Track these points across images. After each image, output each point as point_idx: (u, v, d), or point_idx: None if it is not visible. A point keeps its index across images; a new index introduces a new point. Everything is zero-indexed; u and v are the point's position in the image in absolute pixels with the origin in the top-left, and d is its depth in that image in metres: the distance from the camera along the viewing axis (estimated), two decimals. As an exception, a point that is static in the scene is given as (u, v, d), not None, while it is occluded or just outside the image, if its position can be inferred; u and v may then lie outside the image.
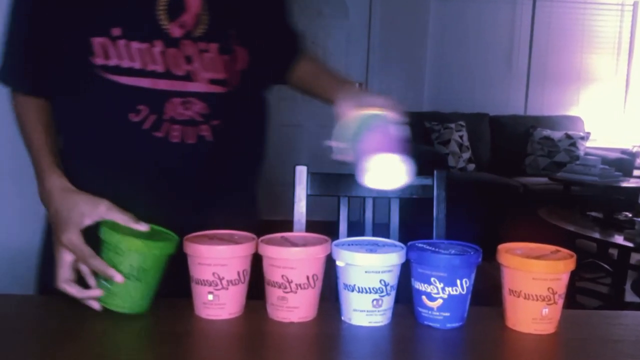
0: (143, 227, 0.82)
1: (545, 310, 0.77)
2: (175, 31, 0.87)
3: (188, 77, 0.89)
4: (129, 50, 0.86)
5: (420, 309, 0.80)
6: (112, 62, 0.86)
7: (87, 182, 0.88)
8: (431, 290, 0.77)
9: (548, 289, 0.76)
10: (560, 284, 0.77)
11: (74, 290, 0.79)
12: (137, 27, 0.87)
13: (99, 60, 0.86)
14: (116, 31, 0.86)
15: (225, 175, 0.97)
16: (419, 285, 0.79)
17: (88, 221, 0.82)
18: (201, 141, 0.91)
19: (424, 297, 0.78)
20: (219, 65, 0.90)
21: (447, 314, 0.78)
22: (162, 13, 0.87)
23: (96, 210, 0.83)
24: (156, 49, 0.87)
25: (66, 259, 0.81)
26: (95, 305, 0.78)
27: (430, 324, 0.79)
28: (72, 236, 0.80)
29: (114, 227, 0.79)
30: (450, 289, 0.77)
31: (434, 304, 0.78)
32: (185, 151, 0.91)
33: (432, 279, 0.77)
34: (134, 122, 0.88)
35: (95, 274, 0.79)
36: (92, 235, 0.80)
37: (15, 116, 0.97)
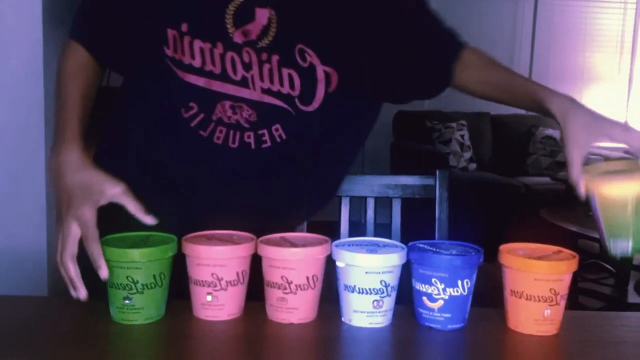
0: (150, 220, 0.81)
1: (548, 312, 0.77)
2: (238, 37, 0.88)
3: (244, 83, 0.89)
4: (191, 47, 0.87)
5: (421, 310, 0.79)
6: (177, 56, 0.88)
7: (119, 169, 0.87)
8: (432, 291, 0.77)
9: (550, 290, 0.76)
10: (563, 285, 0.77)
11: (74, 271, 0.78)
12: (203, 26, 0.88)
13: (170, 52, 0.88)
14: (184, 27, 0.87)
15: (273, 192, 0.96)
16: (420, 287, 0.79)
17: (104, 201, 0.82)
18: (244, 147, 0.90)
19: (425, 298, 0.78)
20: (277, 77, 0.89)
21: (448, 316, 0.78)
22: (229, 18, 0.88)
23: (113, 191, 0.83)
24: (217, 51, 0.88)
25: (76, 233, 0.79)
26: (83, 295, 0.77)
27: (432, 325, 0.79)
28: (87, 212, 0.80)
29: (116, 244, 0.78)
30: (451, 290, 0.77)
31: (435, 305, 0.78)
32: (226, 154, 0.91)
33: (433, 280, 0.77)
34: (184, 118, 0.90)
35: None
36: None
37: (57, 70, 0.97)
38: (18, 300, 0.85)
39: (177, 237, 0.81)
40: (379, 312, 0.78)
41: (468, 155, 4.49)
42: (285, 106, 0.90)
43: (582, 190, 0.80)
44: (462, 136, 4.49)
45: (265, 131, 0.91)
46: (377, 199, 1.26)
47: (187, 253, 0.79)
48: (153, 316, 0.79)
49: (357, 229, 1.20)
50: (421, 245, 0.81)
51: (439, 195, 1.24)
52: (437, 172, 1.25)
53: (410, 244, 0.82)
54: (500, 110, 5.01)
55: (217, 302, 0.78)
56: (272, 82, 0.89)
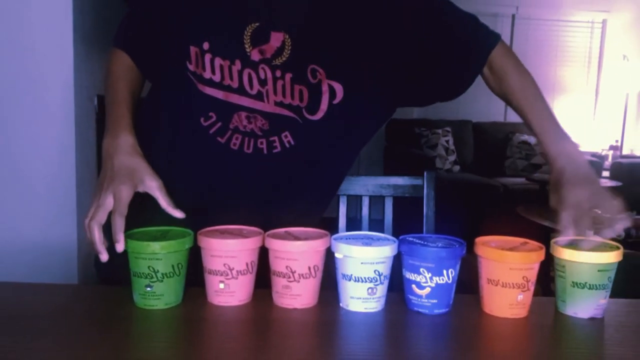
0: (179, 214, 0.82)
1: (520, 297, 0.77)
2: (255, 55, 0.88)
3: (258, 96, 0.89)
4: (213, 63, 0.87)
5: (410, 297, 0.79)
6: (198, 71, 0.88)
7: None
8: (420, 279, 0.77)
9: (523, 277, 0.76)
10: (533, 273, 0.77)
11: (97, 235, 0.78)
12: (223, 45, 0.88)
13: (192, 67, 0.88)
14: (205, 45, 0.87)
15: (282, 191, 0.96)
16: (410, 275, 0.79)
17: (141, 189, 0.83)
18: (257, 152, 0.91)
19: (413, 285, 0.78)
20: (288, 92, 0.89)
21: (434, 301, 0.78)
22: (247, 38, 0.87)
23: (151, 183, 0.84)
24: (235, 67, 0.87)
25: (109, 204, 0.80)
26: (104, 257, 0.77)
27: (420, 310, 0.79)
28: (125, 190, 0.81)
29: (139, 237, 0.78)
30: (437, 278, 0.77)
31: (423, 292, 0.78)
32: (242, 159, 0.91)
33: (421, 269, 0.77)
34: (203, 126, 0.90)
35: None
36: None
37: (106, 72, 0.98)
38: (51, 287, 0.85)
39: (193, 231, 0.81)
40: (373, 298, 0.78)
41: (452, 158, 4.49)
42: (294, 115, 0.90)
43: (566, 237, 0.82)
44: (447, 141, 4.49)
45: (276, 138, 0.91)
46: (371, 197, 1.27)
47: (201, 245, 0.79)
48: (171, 302, 0.79)
49: (353, 224, 1.20)
50: (410, 239, 0.82)
51: (426, 194, 1.24)
52: (425, 173, 1.25)
53: (400, 237, 0.82)
54: (480, 118, 5.01)
55: (229, 289, 0.79)
56: (284, 95, 0.89)
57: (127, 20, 1.00)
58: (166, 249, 0.76)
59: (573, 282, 0.78)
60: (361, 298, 0.78)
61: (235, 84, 0.89)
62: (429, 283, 0.77)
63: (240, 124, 0.90)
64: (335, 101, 0.91)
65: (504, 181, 4.32)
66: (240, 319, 0.75)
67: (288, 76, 0.89)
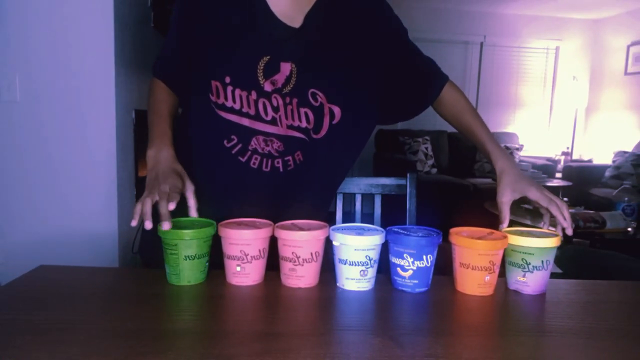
0: (194, 215, 0.82)
1: (487, 278, 0.77)
2: (268, 86, 0.87)
3: (273, 122, 0.88)
4: (233, 94, 0.87)
5: (396, 278, 0.80)
6: (221, 100, 0.87)
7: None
8: (404, 263, 0.77)
9: (489, 261, 0.76)
10: (498, 258, 0.78)
11: (148, 208, 0.77)
12: (241, 79, 0.87)
13: (213, 97, 0.87)
14: (227, 79, 0.86)
15: (294, 198, 0.95)
16: (395, 260, 0.79)
17: (179, 190, 0.82)
18: (274, 171, 0.90)
19: (398, 268, 0.78)
20: (296, 115, 0.88)
21: (415, 281, 0.78)
22: (260, 71, 0.86)
23: (189, 186, 0.84)
24: (252, 96, 0.87)
25: (164, 189, 0.80)
26: (148, 226, 0.77)
27: (404, 289, 0.79)
28: (172, 183, 0.81)
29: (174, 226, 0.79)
30: (418, 262, 0.77)
31: (406, 274, 0.78)
32: (261, 176, 0.90)
33: (405, 255, 0.77)
34: (226, 147, 0.89)
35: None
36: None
37: (148, 94, 0.99)
38: (95, 270, 0.86)
39: (215, 222, 0.82)
40: (365, 279, 0.78)
41: (430, 162, 4.49)
42: (303, 136, 0.89)
43: (504, 226, 0.87)
44: (426, 148, 4.49)
45: (290, 157, 0.90)
46: (363, 195, 1.27)
47: (222, 235, 0.79)
48: (199, 279, 0.79)
49: (348, 217, 1.20)
50: (395, 229, 0.82)
51: (409, 192, 1.24)
52: (408, 175, 1.25)
53: (387, 228, 0.82)
54: (454, 129, 5.01)
55: (244, 272, 0.79)
56: (293, 119, 0.88)
57: (162, 55, 0.99)
58: (197, 235, 0.77)
59: (506, 259, 0.81)
60: (355, 279, 0.78)
61: (252, 112, 0.87)
62: (411, 266, 0.77)
63: (258, 146, 0.89)
64: (334, 122, 0.90)
65: (474, 181, 4.32)
66: (254, 296, 0.75)
67: (295, 101, 0.88)
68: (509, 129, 5.21)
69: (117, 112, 2.00)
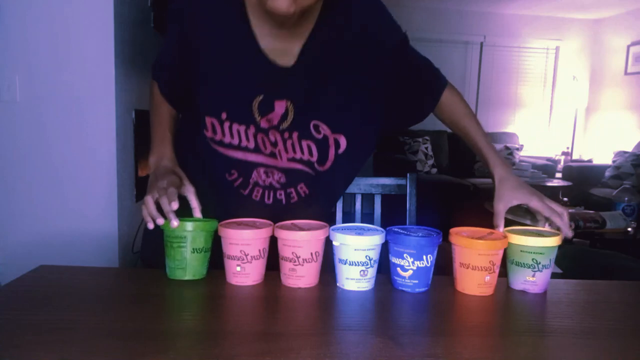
0: (199, 215, 0.82)
1: (487, 278, 0.77)
2: (264, 124, 0.85)
3: (272, 155, 0.87)
4: (231, 129, 0.85)
5: (396, 278, 0.80)
6: (218, 137, 0.86)
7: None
8: (404, 263, 0.77)
9: (489, 261, 0.76)
10: (498, 258, 0.77)
11: (152, 207, 0.79)
12: (238, 115, 0.85)
13: (209, 134, 0.86)
14: (224, 115, 0.85)
15: (295, 219, 0.93)
16: (395, 260, 0.79)
17: (180, 191, 0.83)
18: (276, 203, 0.90)
19: (398, 268, 0.78)
20: (298, 148, 0.87)
21: (415, 281, 0.78)
22: (254, 110, 0.84)
23: (188, 187, 0.84)
24: (250, 131, 0.85)
25: (162, 185, 0.81)
26: (160, 222, 0.78)
27: (403, 289, 0.79)
28: (172, 183, 0.82)
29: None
30: (418, 262, 0.77)
31: (406, 274, 0.78)
32: (263, 208, 0.89)
33: (405, 255, 0.77)
34: (228, 180, 0.89)
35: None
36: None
37: (149, 97, 0.98)
38: (95, 270, 0.86)
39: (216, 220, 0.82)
40: (365, 279, 0.78)
41: (430, 162, 4.49)
42: (307, 169, 0.88)
43: (500, 230, 0.85)
44: (426, 148, 4.49)
45: (292, 189, 0.89)
46: (363, 195, 1.26)
47: (222, 235, 0.79)
48: (203, 274, 0.81)
49: (348, 217, 1.20)
50: (396, 229, 0.82)
51: (409, 192, 1.24)
52: (408, 175, 1.25)
53: (387, 228, 0.82)
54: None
55: (244, 272, 0.79)
56: (294, 152, 0.86)
57: (160, 61, 0.95)
58: (200, 227, 0.79)
59: (509, 260, 0.80)
60: (354, 279, 0.78)
61: (251, 145, 0.86)
62: (411, 266, 0.77)
63: (259, 179, 0.88)
64: (340, 151, 0.88)
65: (474, 181, 4.32)
66: (254, 296, 0.75)
67: (295, 135, 0.86)
68: (509, 129, 5.21)
69: (117, 112, 2.00)
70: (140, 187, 2.34)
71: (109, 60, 1.95)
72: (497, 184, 0.90)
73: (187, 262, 0.78)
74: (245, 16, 0.83)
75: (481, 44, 5.06)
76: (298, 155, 0.87)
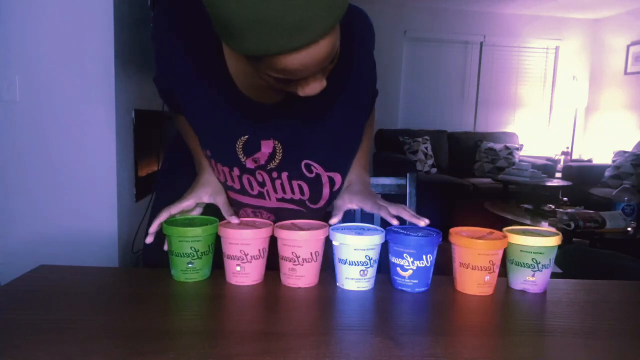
0: (235, 220, 0.81)
1: (487, 278, 0.77)
2: (250, 164, 0.83)
3: (260, 196, 0.85)
4: (216, 167, 0.84)
5: (396, 278, 0.80)
6: (210, 163, 0.86)
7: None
8: (404, 263, 0.77)
9: (489, 261, 0.76)
10: (498, 258, 0.77)
11: (163, 218, 0.80)
12: (221, 155, 0.83)
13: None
14: (209, 152, 0.84)
15: None
16: (395, 260, 0.79)
17: (214, 202, 0.84)
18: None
19: (398, 269, 0.78)
20: (288, 188, 0.85)
21: (415, 281, 0.78)
22: (239, 150, 0.82)
23: (221, 200, 0.84)
24: (234, 173, 0.83)
25: (186, 204, 0.82)
26: (149, 240, 0.79)
27: (404, 289, 0.79)
28: (191, 202, 0.83)
29: (178, 224, 0.80)
30: (418, 262, 0.77)
31: (406, 274, 0.78)
32: None
33: (405, 255, 0.77)
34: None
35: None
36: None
37: (177, 125, 0.96)
38: (95, 270, 0.86)
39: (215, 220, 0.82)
40: (364, 279, 0.78)
41: (430, 162, 4.49)
42: (298, 208, 0.87)
43: (333, 221, 0.84)
44: (426, 148, 4.49)
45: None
46: (362, 195, 1.26)
47: (221, 235, 0.79)
48: (206, 275, 0.81)
49: (348, 216, 1.20)
50: (396, 229, 0.82)
51: (409, 192, 1.24)
52: (408, 175, 1.25)
53: (387, 228, 0.82)
54: (454, 128, 5.02)
55: (244, 272, 0.79)
56: (284, 192, 0.85)
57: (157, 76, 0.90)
58: (206, 231, 0.78)
59: (509, 260, 0.80)
60: (354, 279, 0.78)
61: (237, 186, 0.84)
62: (411, 266, 0.77)
63: (247, 217, 0.87)
64: (336, 189, 0.87)
65: (474, 181, 4.32)
66: (254, 296, 0.75)
67: (285, 175, 0.84)
68: (509, 129, 5.21)
69: (117, 112, 2.00)
70: (140, 187, 2.34)
71: (109, 60, 1.95)
72: (345, 184, 0.91)
73: (193, 267, 0.79)
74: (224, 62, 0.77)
75: (481, 44, 5.06)
76: (288, 196, 0.85)
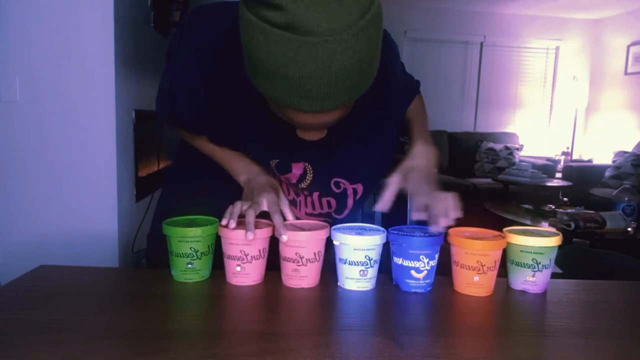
0: (284, 237, 0.77)
1: (476, 278, 0.76)
2: (283, 180, 0.86)
3: (292, 203, 0.87)
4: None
5: (408, 281, 0.78)
6: None
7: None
8: (420, 265, 0.77)
9: (477, 261, 0.76)
10: (488, 259, 0.76)
11: (252, 219, 0.76)
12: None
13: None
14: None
15: None
16: (409, 263, 0.77)
17: (275, 203, 0.82)
18: None
19: (412, 271, 0.77)
20: (317, 205, 0.87)
21: (428, 281, 0.78)
22: (273, 168, 0.85)
23: (283, 201, 0.85)
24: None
25: (262, 203, 0.81)
26: (232, 225, 0.76)
27: (417, 290, 0.78)
28: (272, 197, 0.82)
29: (176, 225, 0.79)
30: (432, 262, 0.77)
31: (421, 275, 0.77)
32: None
33: (421, 257, 0.77)
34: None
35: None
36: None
37: (192, 141, 0.93)
38: (95, 270, 0.85)
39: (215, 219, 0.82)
40: (364, 279, 0.78)
41: (430, 162, 4.49)
42: (324, 218, 0.89)
43: (379, 207, 0.80)
44: (426, 148, 4.49)
45: None
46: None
47: (222, 235, 0.79)
48: (206, 275, 0.80)
49: (349, 217, 1.19)
50: (403, 232, 0.79)
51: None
52: (408, 175, 1.24)
53: (390, 229, 0.81)
54: (454, 128, 5.02)
55: (244, 272, 0.79)
56: (314, 208, 0.88)
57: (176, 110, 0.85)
58: (205, 232, 0.78)
59: (509, 260, 0.80)
60: (354, 278, 0.78)
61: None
62: (426, 267, 0.77)
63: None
64: (358, 197, 0.89)
65: (474, 181, 4.32)
66: (253, 296, 0.75)
67: (316, 195, 0.86)
68: (509, 129, 5.21)
69: (117, 112, 2.00)
70: (140, 187, 2.34)
71: (108, 60, 1.95)
72: (407, 155, 0.86)
73: (193, 267, 0.79)
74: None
75: (481, 44, 5.06)
76: (317, 211, 0.88)
